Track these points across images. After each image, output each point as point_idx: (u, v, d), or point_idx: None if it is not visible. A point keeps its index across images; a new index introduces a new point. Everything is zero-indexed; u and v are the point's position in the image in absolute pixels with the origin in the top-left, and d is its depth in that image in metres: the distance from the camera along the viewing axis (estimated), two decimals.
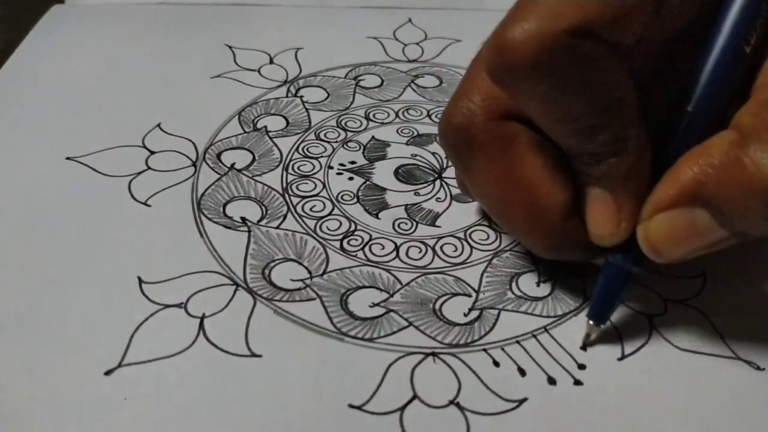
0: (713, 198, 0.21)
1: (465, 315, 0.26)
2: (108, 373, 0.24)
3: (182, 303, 0.26)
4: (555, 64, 0.20)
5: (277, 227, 0.29)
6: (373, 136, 0.35)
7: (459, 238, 0.30)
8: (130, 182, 0.31)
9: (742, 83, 0.22)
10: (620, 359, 0.25)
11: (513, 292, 0.27)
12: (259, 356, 0.24)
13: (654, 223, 0.22)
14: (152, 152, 0.33)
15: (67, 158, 0.33)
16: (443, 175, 0.33)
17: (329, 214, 0.30)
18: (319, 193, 0.32)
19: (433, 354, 0.25)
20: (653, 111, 0.23)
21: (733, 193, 0.20)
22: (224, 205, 0.30)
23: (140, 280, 0.27)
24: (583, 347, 0.25)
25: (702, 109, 0.22)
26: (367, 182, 0.32)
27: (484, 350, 0.25)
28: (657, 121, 0.23)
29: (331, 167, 0.33)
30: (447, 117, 0.25)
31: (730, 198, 0.20)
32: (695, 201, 0.21)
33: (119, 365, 0.24)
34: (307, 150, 0.34)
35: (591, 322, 0.25)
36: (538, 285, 0.28)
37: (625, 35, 0.21)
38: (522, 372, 0.24)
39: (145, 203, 0.30)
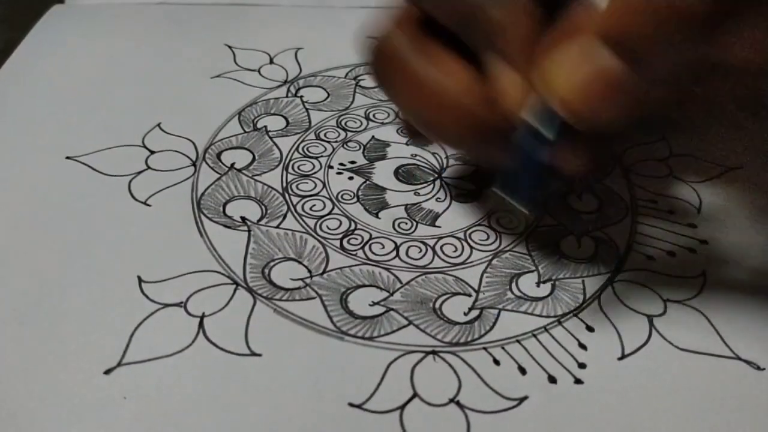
0: (626, 37, 0.19)
1: (465, 314, 0.26)
2: (108, 372, 0.24)
3: (182, 302, 0.26)
4: None
5: (277, 227, 0.29)
6: (373, 136, 0.35)
7: (459, 239, 0.30)
8: (130, 182, 0.31)
9: None
10: (620, 359, 0.25)
11: (513, 293, 0.27)
12: (259, 355, 0.24)
13: (565, 75, 0.20)
14: (152, 152, 0.33)
15: (67, 158, 0.33)
16: (443, 175, 0.33)
17: (329, 213, 0.30)
18: (319, 192, 0.32)
19: (433, 352, 0.25)
20: None
21: (637, 24, 0.18)
22: (224, 205, 0.30)
23: (140, 280, 0.27)
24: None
25: None
26: (367, 182, 0.32)
27: (485, 349, 0.25)
28: None
29: (331, 167, 0.33)
30: (370, 44, 0.26)
31: (634, 30, 0.18)
32: (607, 41, 0.19)
33: (119, 364, 0.24)
34: (307, 150, 0.34)
35: (529, 213, 0.24)
36: (538, 285, 0.28)
37: None
38: (522, 370, 0.24)
39: (145, 203, 0.30)
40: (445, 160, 0.34)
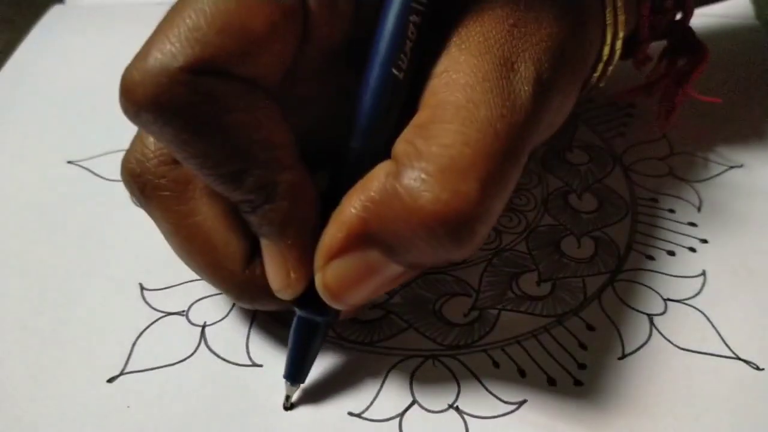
0: (379, 235, 0.19)
1: (465, 315, 0.26)
2: (111, 380, 0.24)
3: (184, 311, 0.26)
4: (176, 105, 0.18)
5: None
6: None
7: None
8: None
9: (406, 110, 0.21)
10: (620, 358, 0.25)
11: (513, 292, 0.27)
12: (260, 366, 0.25)
13: (329, 271, 0.20)
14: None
15: (69, 162, 0.33)
16: None
17: None
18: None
19: (433, 356, 0.25)
20: (322, 147, 0.22)
21: (396, 227, 0.19)
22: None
23: (142, 287, 0.27)
24: (287, 408, 0.24)
25: (364, 143, 0.21)
26: None
27: (484, 351, 0.25)
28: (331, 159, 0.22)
29: None
30: (123, 164, 0.23)
31: (394, 232, 0.19)
32: (364, 242, 0.20)
33: (122, 373, 0.24)
34: None
35: (288, 384, 0.23)
36: (538, 284, 0.28)
37: (263, 69, 0.19)
38: (522, 373, 0.25)
39: None
40: None
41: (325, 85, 0.23)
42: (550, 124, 0.24)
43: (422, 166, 0.18)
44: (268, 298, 0.23)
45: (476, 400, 0.24)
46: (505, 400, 0.24)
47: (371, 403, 0.24)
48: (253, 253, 0.23)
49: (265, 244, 0.22)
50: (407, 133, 0.20)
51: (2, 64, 0.39)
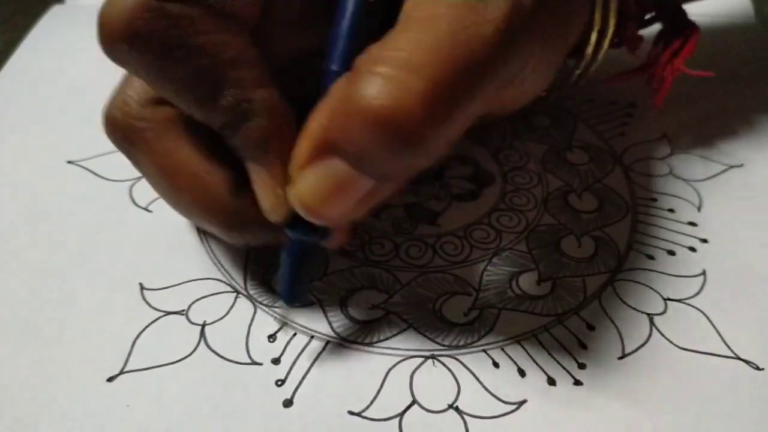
0: (340, 142, 0.19)
1: (465, 315, 0.26)
2: (110, 379, 0.24)
3: (183, 310, 0.26)
4: (148, 31, 0.20)
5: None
6: None
7: (459, 237, 0.30)
8: (132, 187, 0.31)
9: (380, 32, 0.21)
10: (620, 358, 0.25)
11: (513, 291, 0.27)
12: (260, 364, 0.25)
13: (299, 182, 0.21)
14: None
15: (69, 162, 0.33)
16: (443, 175, 0.33)
17: None
18: None
19: (433, 357, 0.25)
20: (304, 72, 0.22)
21: (353, 132, 0.19)
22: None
23: (141, 287, 0.27)
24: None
25: (340, 66, 0.21)
26: None
27: (484, 351, 0.25)
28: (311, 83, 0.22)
29: None
30: (106, 114, 0.24)
31: (352, 138, 0.19)
32: (327, 150, 0.20)
33: (121, 372, 0.24)
34: None
35: (289, 306, 0.24)
36: (538, 284, 0.28)
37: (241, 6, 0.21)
38: (522, 373, 0.25)
39: (146, 209, 0.30)
40: (445, 160, 0.34)
41: (303, 28, 0.23)
42: (520, 79, 0.23)
43: (376, 69, 0.19)
44: (258, 227, 0.23)
45: (476, 400, 0.24)
46: (505, 400, 0.24)
47: (371, 403, 0.24)
48: (240, 184, 0.23)
49: (251, 167, 0.22)
50: (370, 48, 0.20)
51: (2, 64, 0.39)
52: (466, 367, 0.25)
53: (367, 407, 0.23)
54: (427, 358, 0.25)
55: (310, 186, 0.20)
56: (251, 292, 0.27)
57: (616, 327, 0.26)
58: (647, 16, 0.34)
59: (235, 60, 0.21)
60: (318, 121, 0.20)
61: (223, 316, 0.26)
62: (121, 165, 0.32)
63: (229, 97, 0.21)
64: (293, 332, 0.26)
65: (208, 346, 0.25)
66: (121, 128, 0.24)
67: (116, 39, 0.20)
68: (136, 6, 0.20)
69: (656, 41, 0.33)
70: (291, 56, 0.24)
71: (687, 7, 0.33)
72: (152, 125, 0.23)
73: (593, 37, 0.28)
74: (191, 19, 0.20)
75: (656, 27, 0.33)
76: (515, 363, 0.25)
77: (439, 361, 0.25)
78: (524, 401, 0.24)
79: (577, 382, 0.24)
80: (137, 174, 0.31)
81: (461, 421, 0.23)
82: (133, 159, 0.24)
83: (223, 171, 0.23)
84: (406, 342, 0.25)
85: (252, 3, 0.21)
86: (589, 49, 0.29)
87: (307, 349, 0.25)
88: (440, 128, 0.19)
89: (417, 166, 0.21)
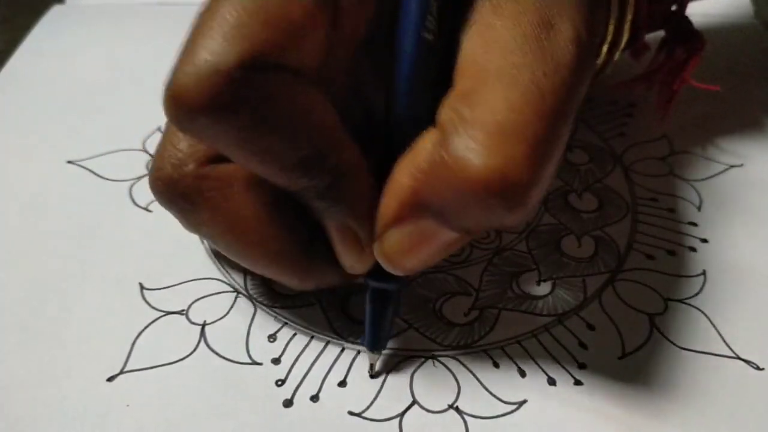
0: (431, 204, 0.19)
1: (465, 315, 0.26)
2: (110, 379, 0.24)
3: (183, 310, 0.26)
4: (235, 104, 0.18)
5: None
6: None
7: None
8: (131, 187, 0.31)
9: (443, 76, 0.20)
10: (620, 358, 0.25)
11: (513, 291, 0.27)
12: (260, 364, 0.25)
13: (386, 240, 0.21)
14: (153, 156, 0.33)
15: (68, 162, 0.33)
16: None
17: None
18: None
19: (433, 357, 0.25)
20: (368, 124, 0.22)
21: (447, 196, 0.19)
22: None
23: (141, 287, 0.27)
24: (373, 376, 0.25)
25: (406, 109, 0.21)
26: None
27: (484, 351, 0.25)
28: (377, 133, 0.22)
29: None
30: (155, 173, 0.23)
31: (445, 200, 0.19)
32: (417, 210, 0.20)
33: (121, 371, 0.24)
34: None
35: (372, 353, 0.24)
36: (538, 284, 0.28)
37: (306, 57, 0.19)
38: (522, 373, 0.25)
39: (146, 208, 0.30)
40: None
41: (351, 75, 0.22)
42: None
43: (469, 133, 0.18)
44: (333, 275, 0.24)
45: (476, 401, 0.24)
46: (506, 400, 0.24)
47: (371, 403, 0.24)
48: (311, 238, 0.23)
49: (332, 225, 0.22)
50: (450, 101, 0.19)
51: (2, 64, 0.39)
52: (467, 368, 0.25)
53: (368, 407, 0.23)
54: (427, 358, 0.25)
55: (397, 243, 0.21)
56: (251, 292, 0.27)
57: (616, 327, 0.26)
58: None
59: (321, 125, 0.20)
60: (404, 181, 0.20)
61: (223, 316, 0.26)
62: (121, 165, 0.32)
63: (320, 163, 0.20)
64: (293, 332, 0.26)
65: (208, 346, 0.25)
66: (180, 189, 0.22)
67: (196, 113, 0.18)
68: (217, 75, 0.18)
69: (660, 48, 0.33)
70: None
71: (688, 7, 0.33)
72: (215, 184, 0.22)
73: (604, 49, 0.28)
74: (277, 87, 0.19)
75: (659, 33, 0.34)
76: (515, 363, 0.25)
77: (439, 361, 0.25)
78: (524, 401, 0.24)
79: (578, 382, 0.24)
80: (137, 174, 0.32)
81: (461, 421, 0.23)
82: (194, 217, 0.23)
83: (293, 226, 0.23)
84: (406, 342, 0.25)
85: (313, 51, 0.19)
86: (600, 61, 0.29)
87: (307, 349, 0.25)
88: (541, 186, 0.19)
89: (520, 223, 0.21)
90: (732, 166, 0.33)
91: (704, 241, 0.30)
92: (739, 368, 0.25)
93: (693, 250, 0.29)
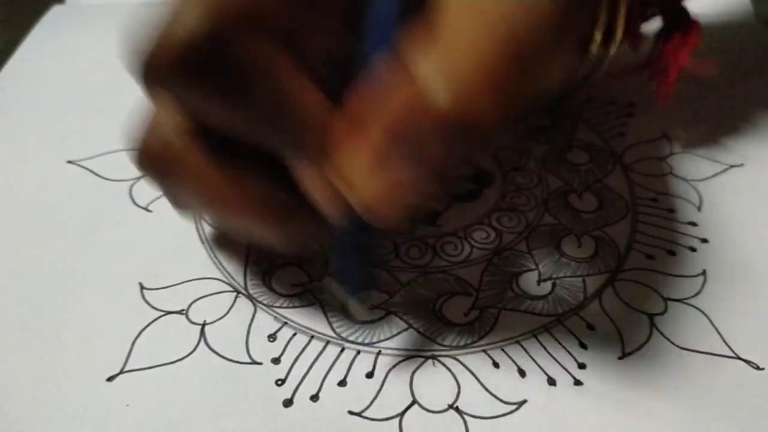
0: (401, 145, 0.19)
1: (465, 315, 0.26)
2: (110, 379, 0.24)
3: (183, 310, 0.26)
4: (205, 64, 0.19)
5: None
6: None
7: (459, 237, 0.30)
8: (131, 187, 0.31)
9: (417, 13, 0.20)
10: (620, 358, 0.25)
11: (513, 291, 0.27)
12: (260, 363, 0.25)
13: (361, 187, 0.21)
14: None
15: (69, 162, 0.33)
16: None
17: None
18: None
19: (433, 357, 0.25)
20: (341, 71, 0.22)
21: (416, 135, 0.19)
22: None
23: (141, 287, 0.27)
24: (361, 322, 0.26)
25: (375, 46, 0.21)
26: None
27: (484, 351, 0.25)
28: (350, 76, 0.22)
29: None
30: (139, 149, 0.24)
31: (415, 141, 0.19)
32: (388, 154, 0.20)
33: (121, 371, 0.24)
34: None
35: (356, 301, 0.25)
36: (538, 284, 0.28)
37: (276, 21, 0.20)
38: (522, 373, 0.25)
39: (146, 208, 0.30)
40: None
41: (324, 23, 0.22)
42: (563, 67, 0.24)
43: (433, 70, 0.19)
44: (311, 228, 0.23)
45: (476, 401, 0.24)
46: (505, 400, 0.24)
47: (371, 403, 0.24)
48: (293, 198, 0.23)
49: (307, 174, 0.22)
50: (417, 36, 0.20)
51: (2, 64, 0.39)
52: (466, 368, 0.25)
53: (367, 407, 0.23)
54: (427, 358, 0.25)
55: (371, 189, 0.20)
56: (251, 291, 0.27)
57: (616, 327, 0.26)
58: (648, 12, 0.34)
59: (288, 76, 0.20)
60: (375, 123, 0.20)
61: (223, 316, 0.26)
62: (121, 165, 0.32)
63: (288, 120, 0.21)
64: (293, 332, 0.26)
65: (208, 346, 0.25)
66: (165, 161, 0.23)
67: (166, 75, 0.19)
68: (191, 39, 0.19)
69: (657, 37, 0.33)
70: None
71: (686, 4, 0.33)
72: (195, 153, 0.23)
73: (597, 35, 0.28)
74: (248, 50, 0.19)
75: (657, 25, 0.34)
76: (515, 363, 0.25)
77: (439, 361, 0.25)
78: (524, 401, 0.24)
79: (578, 382, 0.24)
80: (137, 174, 0.31)
81: (461, 421, 0.23)
82: (178, 189, 0.24)
83: (278, 189, 0.23)
84: (406, 342, 0.25)
85: (283, 13, 0.20)
86: (594, 48, 0.29)
87: (307, 348, 0.25)
88: (502, 115, 0.19)
89: (485, 156, 0.22)
90: (732, 166, 0.33)
91: (704, 241, 0.30)
92: (739, 368, 0.25)
93: (693, 250, 0.29)
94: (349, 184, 0.21)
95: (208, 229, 0.29)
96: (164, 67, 0.19)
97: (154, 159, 0.23)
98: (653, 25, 0.33)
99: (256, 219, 0.23)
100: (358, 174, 0.20)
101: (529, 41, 0.19)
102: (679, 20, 0.32)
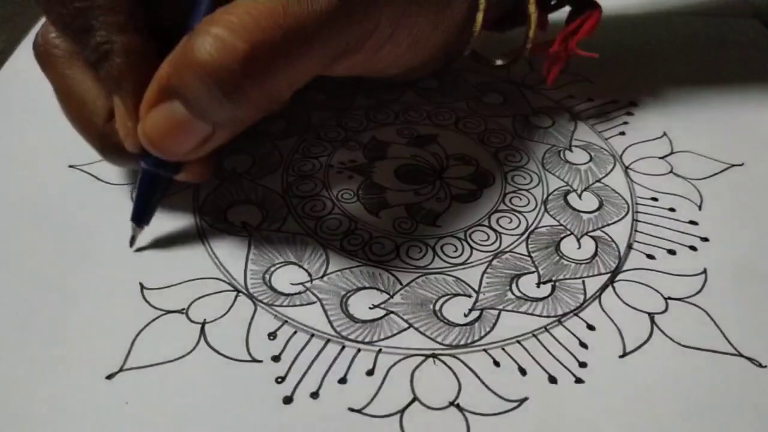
0: (177, 88, 0.23)
1: (465, 315, 0.26)
2: (109, 377, 0.24)
3: (184, 309, 0.26)
4: None
5: (278, 230, 0.30)
6: (373, 137, 0.35)
7: (459, 239, 0.30)
8: (132, 191, 0.31)
9: None
10: (621, 356, 0.25)
11: (513, 293, 0.27)
12: (260, 362, 0.25)
13: (147, 120, 0.24)
14: None
15: (70, 166, 0.33)
16: (443, 175, 0.33)
17: (329, 213, 0.31)
18: (319, 192, 0.32)
19: (433, 355, 0.25)
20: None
21: (185, 81, 0.22)
22: (225, 211, 0.30)
23: (142, 286, 0.27)
24: (132, 246, 0.28)
25: (197, 22, 0.23)
26: (368, 180, 0.32)
27: (485, 350, 0.25)
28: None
29: (332, 166, 0.33)
30: (35, 38, 0.28)
31: (184, 85, 0.22)
32: (168, 94, 0.23)
33: (121, 369, 0.24)
34: (308, 150, 0.34)
35: (134, 225, 0.28)
36: (538, 286, 0.28)
37: None
38: (522, 371, 0.25)
39: None
40: (445, 161, 0.34)
41: None
42: (375, 44, 0.27)
43: (208, 28, 0.22)
44: (121, 153, 0.27)
45: (477, 398, 0.24)
46: (506, 397, 0.24)
47: (372, 400, 0.24)
48: (110, 112, 0.27)
49: (114, 100, 0.26)
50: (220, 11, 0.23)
51: (2, 64, 0.39)
52: (467, 366, 0.25)
53: (368, 404, 0.23)
54: (427, 356, 0.25)
55: (153, 123, 0.24)
56: (251, 290, 0.27)
57: (617, 326, 0.26)
58: (553, 1, 0.35)
59: (103, 6, 0.24)
60: (164, 66, 0.23)
61: (224, 315, 0.26)
62: (121, 169, 0.32)
63: (97, 37, 0.25)
64: (293, 330, 0.26)
65: (208, 344, 0.25)
66: (39, 51, 0.28)
67: None
68: None
69: (566, 22, 0.35)
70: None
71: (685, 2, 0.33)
72: (59, 52, 0.27)
73: (479, 17, 0.31)
74: None
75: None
76: (516, 362, 0.25)
77: (440, 359, 0.25)
78: (525, 399, 0.24)
79: (578, 380, 0.24)
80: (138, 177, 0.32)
81: (462, 418, 0.23)
82: (46, 75, 0.28)
83: (101, 99, 0.27)
84: (406, 341, 0.25)
85: None
86: (477, 28, 0.32)
87: (307, 346, 0.25)
88: (259, 86, 0.23)
89: (244, 117, 0.24)
90: (733, 165, 0.33)
91: (705, 239, 0.30)
92: (740, 365, 0.25)
93: (693, 249, 0.29)
94: (139, 120, 0.25)
95: (208, 229, 0.29)
96: None
97: (36, 50, 0.28)
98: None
99: (84, 131, 0.28)
100: (142, 112, 0.24)
101: (302, 21, 0.23)
102: (582, 4, 0.34)
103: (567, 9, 0.35)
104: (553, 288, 0.28)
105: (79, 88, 0.27)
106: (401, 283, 0.27)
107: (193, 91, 0.22)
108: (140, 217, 0.28)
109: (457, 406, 0.23)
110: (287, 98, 0.24)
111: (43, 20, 0.28)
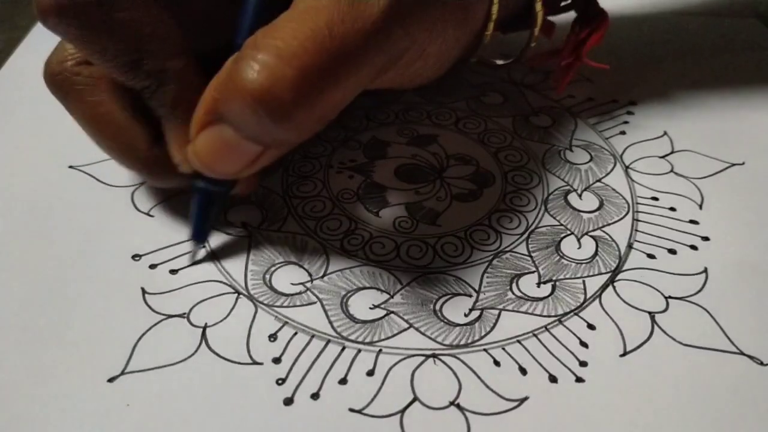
0: (223, 112, 0.23)
1: (465, 315, 0.26)
2: (111, 380, 0.24)
3: (185, 313, 0.26)
4: (73, 9, 0.23)
5: (278, 230, 0.30)
6: (373, 136, 0.35)
7: (459, 238, 0.30)
8: (133, 193, 0.31)
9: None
10: (622, 355, 0.25)
11: (513, 293, 0.27)
12: (260, 364, 0.25)
13: (197, 143, 0.24)
14: None
15: (70, 167, 0.33)
16: (443, 175, 0.33)
17: (329, 213, 0.31)
18: (319, 192, 0.32)
19: (434, 356, 0.25)
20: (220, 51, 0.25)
21: (232, 104, 0.22)
22: (225, 213, 0.30)
23: (143, 291, 0.27)
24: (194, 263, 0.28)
25: (243, 40, 0.23)
26: (368, 180, 0.32)
27: (485, 350, 0.25)
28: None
29: (331, 166, 0.33)
30: (45, 66, 0.27)
31: (231, 109, 0.22)
32: (216, 117, 0.23)
33: (122, 372, 0.24)
34: (307, 150, 0.34)
35: (194, 243, 0.28)
36: (538, 286, 0.28)
37: None
38: (523, 371, 0.25)
39: (147, 213, 0.30)
40: (445, 160, 0.34)
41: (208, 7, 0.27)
42: (422, 60, 0.28)
43: (254, 54, 0.22)
44: (171, 174, 0.27)
45: (477, 398, 0.24)
46: (507, 397, 0.24)
47: (372, 400, 0.24)
48: (158, 137, 0.27)
49: (164, 124, 0.26)
50: (260, 30, 0.23)
51: (2, 64, 0.39)
52: (467, 366, 0.25)
53: (368, 404, 0.23)
54: (427, 356, 0.25)
55: (203, 146, 0.24)
56: (252, 291, 0.27)
57: (617, 325, 0.26)
58: (562, 4, 0.35)
59: (154, 34, 0.24)
60: (210, 90, 0.23)
61: (225, 318, 0.26)
62: (122, 171, 0.32)
63: (148, 66, 0.24)
64: (294, 331, 0.26)
65: (210, 348, 0.25)
66: (58, 80, 0.27)
67: (47, 14, 0.23)
68: None
69: (571, 29, 0.35)
70: (214, 32, 0.27)
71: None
72: (84, 80, 0.27)
73: (490, 26, 0.31)
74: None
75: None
76: (516, 361, 0.25)
77: (440, 359, 0.25)
78: (526, 398, 0.24)
79: (579, 379, 0.24)
80: (138, 180, 0.32)
81: (463, 417, 0.23)
82: (67, 106, 0.27)
83: (141, 125, 0.27)
84: (406, 341, 0.25)
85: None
86: (488, 35, 0.32)
87: (308, 348, 0.25)
88: (308, 110, 0.22)
89: (292, 139, 0.24)
90: (733, 164, 0.33)
91: (705, 239, 0.30)
92: (741, 363, 0.25)
93: (694, 248, 0.29)
94: (197, 153, 0.24)
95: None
96: (45, 8, 0.23)
97: (53, 77, 0.27)
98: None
99: (123, 156, 0.27)
100: (192, 134, 0.24)
101: (348, 43, 0.22)
102: (590, 13, 0.34)
103: (570, 14, 0.35)
104: (554, 288, 0.28)
105: (112, 116, 0.27)
106: (401, 283, 0.27)
107: (242, 117, 0.22)
108: (199, 235, 0.28)
109: (458, 406, 0.23)
110: (334, 117, 0.24)
111: (38, 26, 0.28)
